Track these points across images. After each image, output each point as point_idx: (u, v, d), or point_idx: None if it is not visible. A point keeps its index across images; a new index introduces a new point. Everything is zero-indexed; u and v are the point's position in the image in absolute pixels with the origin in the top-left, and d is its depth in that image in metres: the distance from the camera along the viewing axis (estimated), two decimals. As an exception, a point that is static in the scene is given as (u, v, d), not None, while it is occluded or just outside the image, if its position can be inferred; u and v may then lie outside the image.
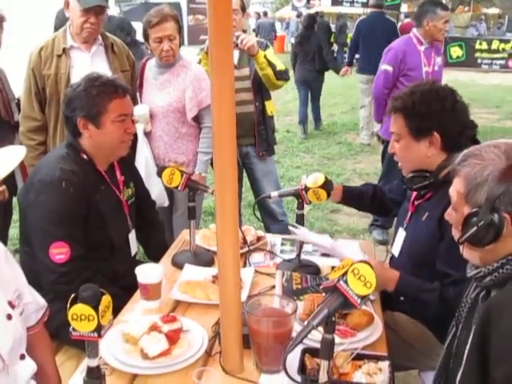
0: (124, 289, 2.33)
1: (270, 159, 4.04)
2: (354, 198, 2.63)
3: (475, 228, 1.46)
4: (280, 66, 3.71)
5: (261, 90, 3.83)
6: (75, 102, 2.31)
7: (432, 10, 4.51)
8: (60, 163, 2.29)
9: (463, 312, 1.64)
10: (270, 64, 3.64)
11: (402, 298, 2.14)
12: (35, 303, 1.91)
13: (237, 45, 3.50)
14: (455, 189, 1.55)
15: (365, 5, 12.23)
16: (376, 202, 2.64)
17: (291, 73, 8.60)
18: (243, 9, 3.79)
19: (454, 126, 2.09)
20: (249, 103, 3.78)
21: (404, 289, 2.08)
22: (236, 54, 3.71)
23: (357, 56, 8.39)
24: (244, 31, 3.83)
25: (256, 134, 3.86)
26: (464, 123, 2.12)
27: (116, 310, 2.03)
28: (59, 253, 2.19)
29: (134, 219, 2.61)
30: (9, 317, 1.68)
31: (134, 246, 2.61)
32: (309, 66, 8.70)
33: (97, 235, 2.35)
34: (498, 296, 1.49)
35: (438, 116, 2.09)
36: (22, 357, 1.77)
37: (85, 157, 2.36)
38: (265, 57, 3.62)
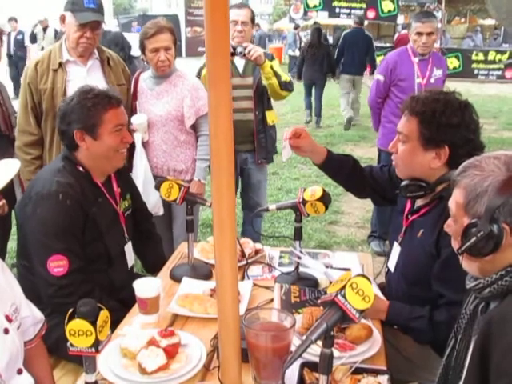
0: (122, 302, 2.32)
1: (265, 167, 4.22)
2: (334, 165, 2.51)
3: (474, 238, 1.46)
4: (285, 77, 3.85)
5: (262, 99, 3.98)
6: (70, 115, 2.31)
7: (410, 22, 4.66)
8: (56, 176, 2.29)
9: (462, 323, 1.64)
10: (276, 74, 3.78)
11: (395, 327, 2.12)
12: (32, 317, 1.90)
13: (244, 54, 3.61)
14: (455, 200, 1.55)
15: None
16: (352, 178, 2.54)
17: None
18: (253, 20, 3.94)
19: (466, 144, 2.03)
20: (248, 111, 3.89)
21: (394, 318, 2.07)
22: (241, 62, 3.87)
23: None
24: (251, 42, 3.94)
25: (255, 141, 3.98)
26: (475, 144, 2.05)
27: (114, 324, 2.03)
28: (57, 266, 2.19)
29: (131, 231, 2.60)
30: (6, 331, 1.67)
31: (131, 258, 2.61)
32: (317, 68, 10.61)
33: (94, 247, 2.35)
34: (499, 310, 1.48)
35: (455, 131, 2.03)
36: (20, 371, 1.76)
37: (81, 169, 2.36)
38: (271, 67, 3.74)
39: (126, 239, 2.57)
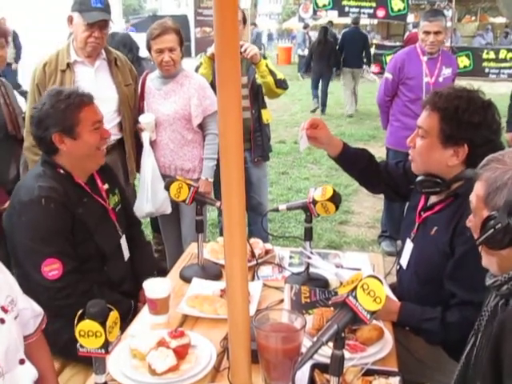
0: (124, 294, 2.31)
1: (264, 165, 4.24)
2: (349, 158, 2.48)
3: (492, 230, 1.46)
4: (280, 75, 3.90)
5: (257, 98, 4.00)
6: (46, 120, 2.29)
7: (420, 21, 4.66)
8: (38, 181, 2.28)
9: (483, 321, 1.63)
10: (271, 72, 3.82)
11: (407, 328, 2.10)
12: (31, 309, 1.90)
13: (240, 53, 3.58)
14: (475, 193, 1.55)
15: (371, 15, 12.27)
16: (367, 172, 2.51)
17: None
18: (244, 21, 3.96)
19: (486, 144, 1.99)
20: (245, 110, 3.88)
21: (406, 319, 2.04)
22: None
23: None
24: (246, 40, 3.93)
25: (252, 140, 4.00)
26: (495, 144, 2.01)
27: (121, 318, 2.02)
28: (52, 269, 2.19)
29: (124, 225, 2.60)
30: (1, 321, 1.67)
31: (127, 251, 2.59)
32: (324, 63, 12.15)
33: (85, 247, 2.34)
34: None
35: (476, 130, 1.99)
36: (22, 361, 1.76)
37: (62, 171, 2.34)
38: (266, 65, 3.78)
39: (120, 233, 2.55)
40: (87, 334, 1.45)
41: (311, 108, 12.60)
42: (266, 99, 4.13)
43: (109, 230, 2.49)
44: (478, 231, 1.53)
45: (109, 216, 2.50)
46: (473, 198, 1.57)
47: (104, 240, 2.43)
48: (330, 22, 15.70)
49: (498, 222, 1.45)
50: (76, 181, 2.38)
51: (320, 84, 12.48)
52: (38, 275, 2.19)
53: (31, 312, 1.90)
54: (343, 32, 12.66)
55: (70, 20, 3.20)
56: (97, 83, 3.17)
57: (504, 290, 1.51)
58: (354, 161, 2.49)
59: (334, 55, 12.07)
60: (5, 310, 1.70)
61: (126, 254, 2.59)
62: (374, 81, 14.26)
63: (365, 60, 12.35)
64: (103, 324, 1.45)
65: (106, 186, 2.52)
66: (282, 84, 3.89)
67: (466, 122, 1.99)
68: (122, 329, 1.82)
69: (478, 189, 1.54)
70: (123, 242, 2.57)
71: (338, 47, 12.18)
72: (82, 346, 1.47)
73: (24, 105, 3.44)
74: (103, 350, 1.46)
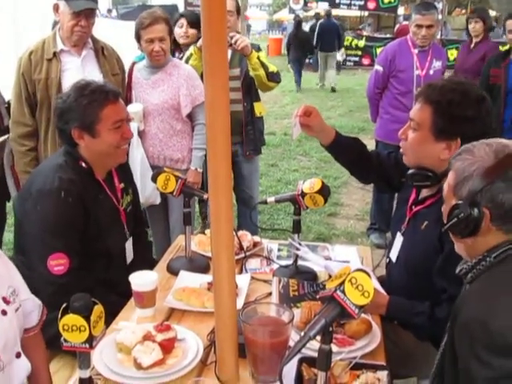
0: (120, 295, 2.29)
1: (256, 158, 4.18)
2: (341, 147, 2.45)
3: (455, 219, 1.52)
4: (272, 68, 3.82)
5: (250, 90, 3.94)
6: (67, 113, 2.26)
7: (411, 13, 4.62)
8: (58, 172, 2.24)
9: None
10: (263, 65, 3.75)
11: (395, 322, 2.10)
12: (32, 300, 1.87)
13: (230, 45, 3.58)
14: (447, 182, 1.60)
15: (362, 7, 12.26)
16: (358, 162, 2.49)
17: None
18: (238, 11, 3.91)
19: (479, 138, 1.84)
20: (237, 102, 3.83)
21: (394, 313, 2.04)
22: (228, 53, 3.77)
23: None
24: (238, 33, 3.85)
25: (244, 133, 3.93)
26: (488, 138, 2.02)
27: (114, 317, 2.01)
28: (58, 264, 2.15)
29: (132, 227, 2.57)
30: (3, 312, 1.65)
31: (130, 255, 2.57)
32: (299, 50, 14.94)
33: (95, 245, 2.31)
34: (462, 293, 1.58)
35: (469, 124, 1.96)
36: (18, 355, 1.73)
37: (84, 165, 2.31)
38: (258, 58, 3.72)
39: (127, 236, 2.53)
40: (71, 328, 1.42)
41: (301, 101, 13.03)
42: (259, 91, 4.07)
43: (118, 232, 2.47)
44: (446, 219, 1.58)
45: (119, 217, 2.47)
46: (445, 186, 1.61)
47: (113, 240, 2.41)
48: (318, 14, 16.18)
49: (460, 212, 1.50)
50: (95, 177, 2.35)
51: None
52: (42, 267, 2.16)
53: (32, 303, 1.87)
54: (319, 22, 15.18)
55: (56, 8, 3.16)
56: (84, 73, 3.13)
57: (468, 278, 1.57)
58: (345, 150, 2.47)
59: (307, 44, 14.81)
60: (6, 302, 1.67)
61: (130, 258, 2.56)
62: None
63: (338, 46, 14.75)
64: (87, 318, 1.42)
65: (121, 185, 2.50)
66: (274, 77, 3.82)
67: (459, 116, 1.97)
68: (108, 323, 1.80)
69: (450, 178, 1.58)
70: (128, 244, 2.54)
71: (315, 35, 14.67)
72: (65, 340, 1.44)
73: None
74: (87, 345, 1.43)
